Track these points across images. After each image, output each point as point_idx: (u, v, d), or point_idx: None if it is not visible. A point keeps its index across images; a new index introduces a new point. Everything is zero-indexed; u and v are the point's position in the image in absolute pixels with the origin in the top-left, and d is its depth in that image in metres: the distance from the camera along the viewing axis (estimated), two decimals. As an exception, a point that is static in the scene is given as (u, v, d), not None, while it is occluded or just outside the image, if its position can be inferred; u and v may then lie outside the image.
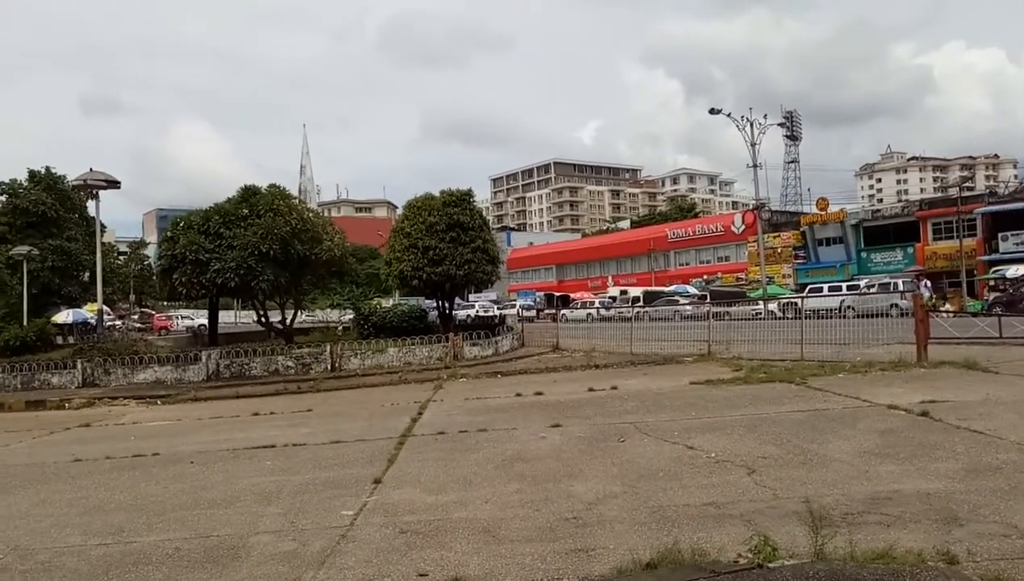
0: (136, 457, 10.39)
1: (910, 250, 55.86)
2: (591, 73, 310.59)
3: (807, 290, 35.81)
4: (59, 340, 35.42)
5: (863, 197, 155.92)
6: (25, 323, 36.73)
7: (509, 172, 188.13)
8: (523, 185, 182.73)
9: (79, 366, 22.07)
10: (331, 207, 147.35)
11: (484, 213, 29.82)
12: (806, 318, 19.22)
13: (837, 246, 60.67)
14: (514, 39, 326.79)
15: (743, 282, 61.00)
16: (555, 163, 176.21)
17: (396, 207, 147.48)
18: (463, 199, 26.16)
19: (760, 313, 28.15)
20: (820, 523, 5.06)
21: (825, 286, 37.89)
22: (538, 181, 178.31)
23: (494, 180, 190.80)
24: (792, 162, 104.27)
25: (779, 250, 62.71)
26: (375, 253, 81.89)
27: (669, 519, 5.94)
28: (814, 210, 63.97)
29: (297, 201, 30.88)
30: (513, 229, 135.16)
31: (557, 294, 62.54)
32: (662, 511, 6.18)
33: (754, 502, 6.31)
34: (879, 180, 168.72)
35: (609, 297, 53.11)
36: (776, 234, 63.44)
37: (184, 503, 7.53)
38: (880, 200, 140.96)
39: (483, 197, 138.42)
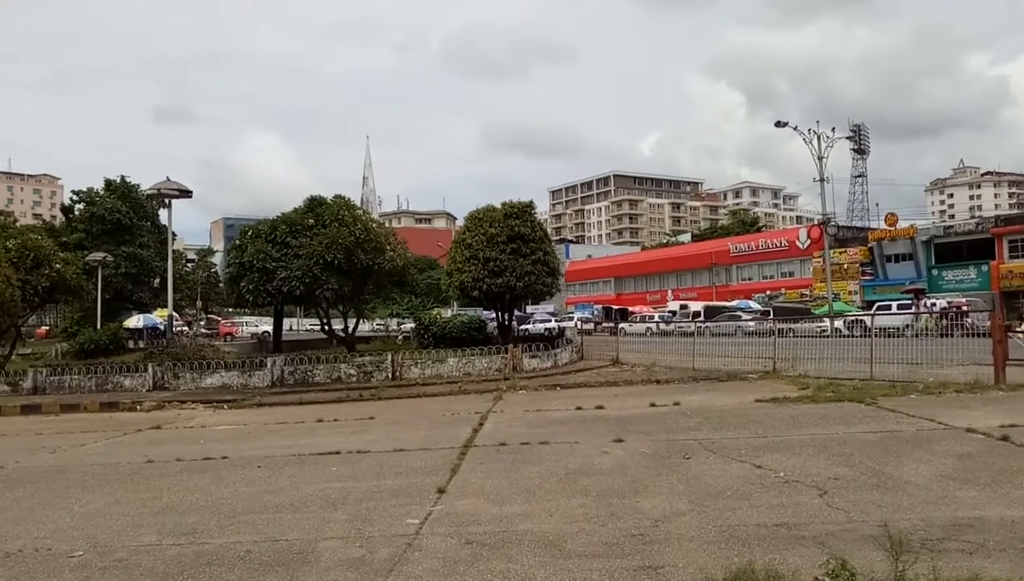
0: (206, 460, 10.64)
1: (984, 268, 53.96)
2: (652, 84, 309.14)
3: (875, 307, 34.80)
4: (130, 344, 36.55)
5: (933, 213, 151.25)
6: (99, 327, 38.05)
7: (568, 184, 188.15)
8: (582, 197, 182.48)
9: (150, 370, 22.74)
10: (392, 218, 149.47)
11: (543, 225, 29.82)
12: (875, 336, 18.69)
13: (906, 263, 58.97)
14: (576, 51, 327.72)
15: (807, 298, 59.76)
16: (615, 175, 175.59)
17: (455, 218, 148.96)
18: (524, 211, 26.23)
19: (826, 330, 27.45)
20: (899, 548, 4.89)
21: (894, 304, 36.84)
22: (597, 193, 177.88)
23: (553, 192, 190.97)
24: (859, 176, 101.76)
25: (845, 266, 61.25)
26: (434, 264, 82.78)
27: (739, 539, 5.82)
28: (882, 226, 62.35)
29: (361, 212, 31.39)
30: (571, 241, 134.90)
31: (615, 307, 62.09)
32: (731, 530, 6.06)
33: (827, 524, 6.14)
34: (951, 195, 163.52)
35: (669, 311, 52.47)
36: (842, 250, 61.99)
37: (253, 507, 7.67)
38: (952, 216, 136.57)
39: (542, 209, 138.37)
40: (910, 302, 38.53)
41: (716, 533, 6.01)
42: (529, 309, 50.74)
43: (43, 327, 61.99)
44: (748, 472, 8.15)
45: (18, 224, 62.23)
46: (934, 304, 33.74)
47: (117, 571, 5.78)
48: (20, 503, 8.39)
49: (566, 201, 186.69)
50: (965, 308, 27.90)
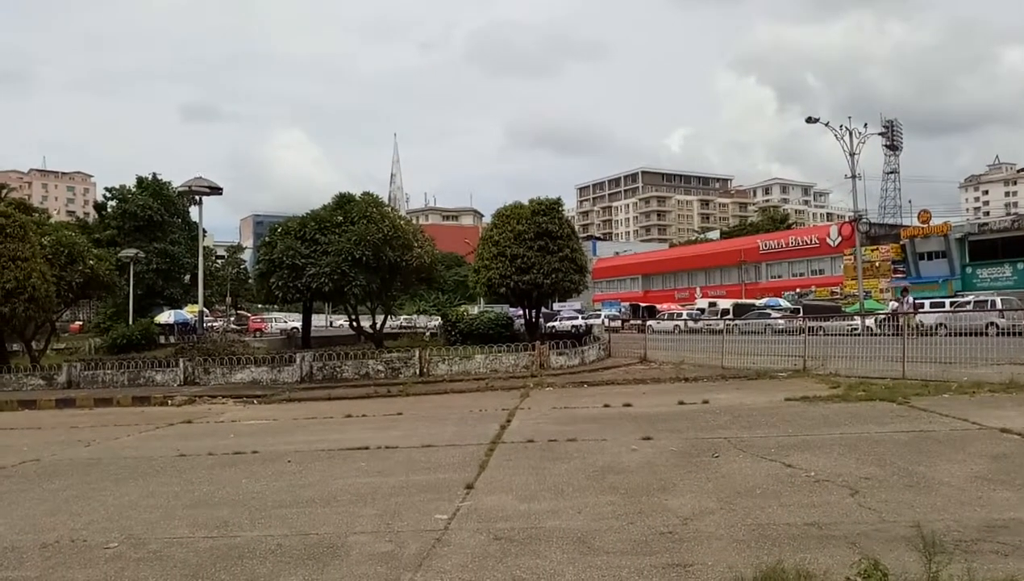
0: (236, 454, 10.76)
1: (1020, 266, 53.03)
2: (681, 80, 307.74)
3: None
4: (161, 340, 37.04)
5: (967, 210, 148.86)
6: (131, 322, 38.64)
7: (596, 181, 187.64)
8: (610, 194, 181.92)
9: (181, 365, 23.03)
10: (419, 215, 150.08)
11: (571, 222, 29.76)
12: (907, 335, 18.43)
13: (940, 261, 58.10)
14: (604, 47, 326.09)
15: (838, 296, 59.06)
16: (643, 172, 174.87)
17: (482, 215, 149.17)
18: (552, 208, 26.18)
19: (857, 329, 27.12)
20: (933, 549, 4.83)
21: (927, 302, 36.30)
22: (625, 190, 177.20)
23: (580, 189, 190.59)
24: (892, 173, 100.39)
25: (877, 264, 60.44)
26: (461, 260, 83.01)
27: (769, 537, 5.78)
28: (915, 223, 61.45)
29: (389, 209, 31.56)
30: (599, 238, 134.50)
31: (643, 305, 61.82)
32: (761, 529, 6.02)
33: (858, 524, 6.07)
34: (986, 192, 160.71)
35: (697, 309, 52.16)
36: (874, 247, 61.18)
37: (284, 501, 7.75)
38: (987, 213, 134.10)
39: (569, 206, 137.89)
40: (942, 300, 37.87)
41: (745, 532, 5.97)
42: (556, 306, 50.74)
43: (77, 322, 63.03)
44: (778, 471, 8.08)
45: (52, 221, 63.24)
46: (921, 304, 33.20)
47: (151, 563, 5.87)
48: (56, 495, 8.55)
49: (593, 198, 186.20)
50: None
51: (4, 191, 70.45)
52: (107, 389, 22.01)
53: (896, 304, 34.96)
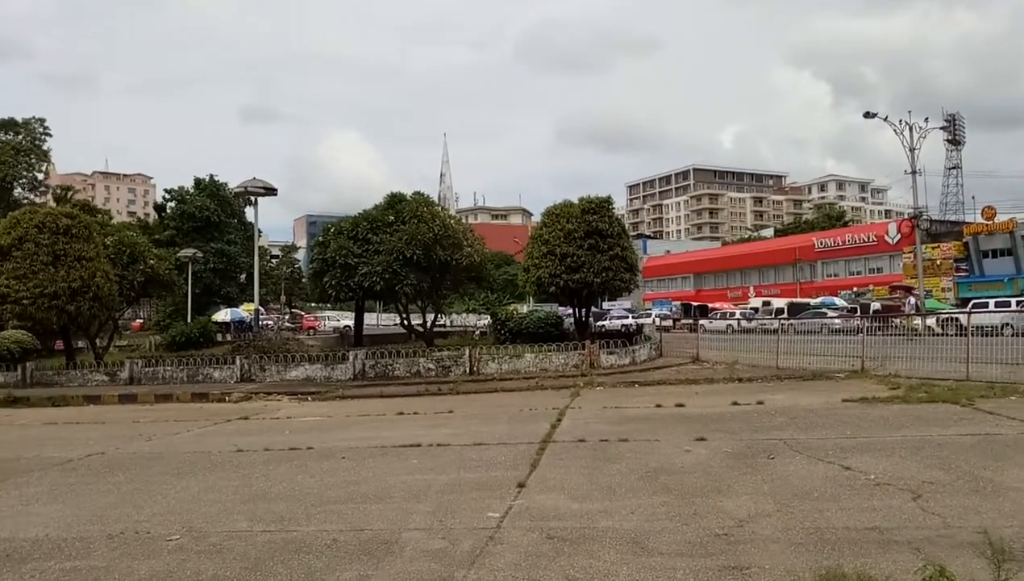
0: (292, 450, 10.94)
1: (1090, 263, 51.02)
2: (733, 75, 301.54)
3: (971, 305, 33.26)
4: (218, 337, 37.87)
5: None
6: (189, 320, 39.58)
7: (646, 178, 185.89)
8: (660, 192, 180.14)
9: (237, 362, 23.50)
10: (468, 214, 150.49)
11: (621, 220, 29.55)
12: (971, 335, 17.86)
13: (1005, 259, 56.19)
14: (654, 42, 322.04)
15: (897, 295, 57.59)
16: (694, 169, 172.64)
17: (531, 214, 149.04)
18: (602, 206, 26.03)
19: (917, 328, 26.40)
20: (1001, 556, 4.67)
21: (991, 301, 35.15)
22: (676, 188, 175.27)
23: (630, 187, 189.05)
24: (953, 168, 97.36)
25: (938, 262, 58.78)
26: (510, 259, 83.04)
27: (828, 541, 5.66)
28: (979, 219, 59.57)
29: (439, 208, 31.77)
30: (649, 237, 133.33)
31: (695, 304, 61.15)
32: (820, 533, 5.89)
33: (922, 529, 5.91)
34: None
35: (751, 308, 51.40)
36: (935, 245, 59.49)
37: (339, 496, 7.86)
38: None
39: (619, 204, 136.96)
40: (1007, 299, 36.67)
41: (803, 535, 5.86)
42: (606, 305, 50.49)
43: (138, 320, 64.82)
44: (836, 473, 7.91)
45: (115, 222, 65.18)
46: (984, 303, 32.10)
47: (212, 555, 6.00)
48: (120, 488, 8.80)
49: (643, 196, 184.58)
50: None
51: (70, 193, 72.86)
52: (167, 385, 22.59)
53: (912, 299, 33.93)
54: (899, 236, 65.27)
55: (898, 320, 27.03)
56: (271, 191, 29.33)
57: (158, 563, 5.85)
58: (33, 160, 69.63)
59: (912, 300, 34.00)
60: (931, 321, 27.47)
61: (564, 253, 24.84)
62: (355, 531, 6.51)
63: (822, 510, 6.54)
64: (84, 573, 5.68)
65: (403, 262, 26.27)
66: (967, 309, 28.55)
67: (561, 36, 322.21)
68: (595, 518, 6.61)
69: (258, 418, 15.90)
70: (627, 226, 36.95)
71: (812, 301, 50.88)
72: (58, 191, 72.92)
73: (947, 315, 28.58)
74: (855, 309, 37.47)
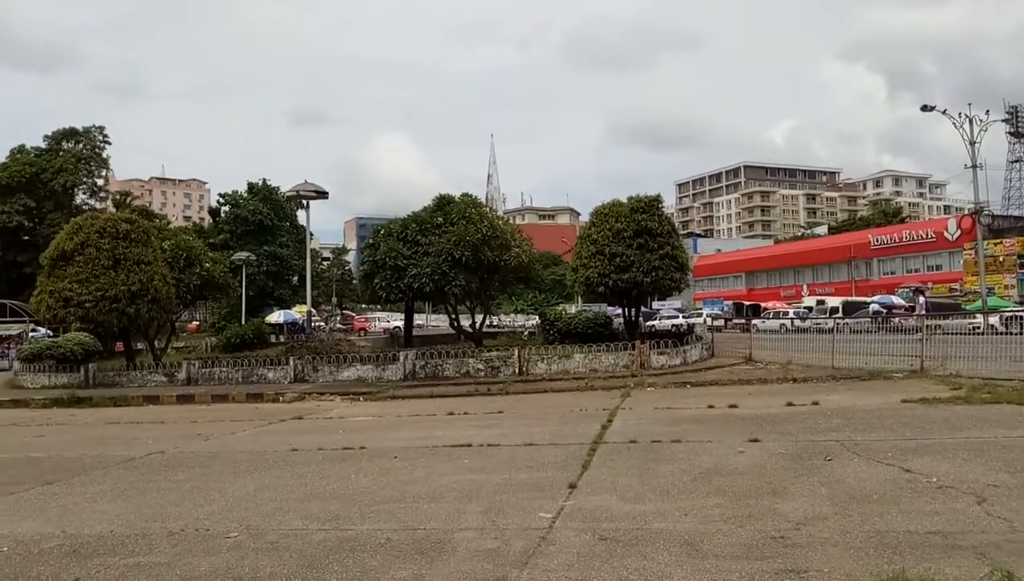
0: (345, 450, 11.09)
1: None
2: (784, 69, 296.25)
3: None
4: (272, 338, 38.53)
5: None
6: (243, 322, 40.38)
7: (696, 176, 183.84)
8: (710, 190, 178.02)
9: (291, 363, 23.90)
10: (516, 215, 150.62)
11: (671, 219, 29.26)
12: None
13: (1071, 254, 54.26)
14: (702, 37, 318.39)
15: (957, 293, 56.00)
16: (745, 166, 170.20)
17: (579, 214, 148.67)
18: (651, 205, 25.81)
19: (979, 327, 25.60)
20: (1074, 564, 4.51)
21: (1057, 298, 33.97)
22: (726, 185, 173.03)
23: (680, 185, 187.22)
24: (1016, 161, 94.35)
25: (1001, 258, 56.97)
26: (558, 259, 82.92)
27: (889, 545, 5.52)
28: (1044, 214, 57.62)
29: (487, 209, 31.87)
30: (699, 235, 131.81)
31: (747, 303, 60.25)
32: (880, 537, 5.75)
33: (987, 534, 5.73)
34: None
35: (805, 307, 50.45)
36: (997, 241, 57.67)
37: (392, 496, 7.93)
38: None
39: (668, 203, 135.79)
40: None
41: (863, 539, 5.73)
42: (655, 305, 50.05)
43: (194, 322, 66.33)
44: (896, 476, 7.72)
45: (171, 226, 66.86)
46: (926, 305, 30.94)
47: (269, 553, 6.11)
48: (180, 486, 9.02)
49: (693, 194, 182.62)
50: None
51: (129, 198, 75.12)
52: (223, 386, 23.07)
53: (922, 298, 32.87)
54: (959, 232, 63.36)
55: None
56: (322, 194, 29.77)
57: (217, 560, 5.97)
58: (93, 167, 71.61)
59: (922, 300, 33.02)
60: (994, 319, 26.61)
61: (613, 252, 24.69)
62: (408, 530, 6.57)
63: (882, 513, 6.39)
64: (147, 569, 5.83)
65: (452, 263, 26.40)
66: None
67: (606, 34, 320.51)
68: (648, 519, 6.56)
69: (311, 418, 16.15)
70: (677, 225, 36.55)
71: (868, 299, 49.73)
72: (117, 197, 75.18)
73: (1011, 313, 27.65)
74: (913, 307, 36.50)
